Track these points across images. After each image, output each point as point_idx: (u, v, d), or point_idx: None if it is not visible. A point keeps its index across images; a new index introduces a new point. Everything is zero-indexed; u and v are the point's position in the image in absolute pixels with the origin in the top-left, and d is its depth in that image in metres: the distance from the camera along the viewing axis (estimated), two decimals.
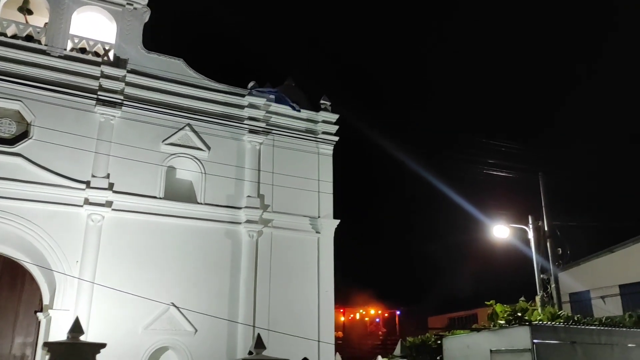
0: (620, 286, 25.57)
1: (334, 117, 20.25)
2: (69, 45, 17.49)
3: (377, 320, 46.94)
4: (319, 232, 18.95)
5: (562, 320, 13.46)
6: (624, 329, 13.83)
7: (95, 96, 16.83)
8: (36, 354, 15.49)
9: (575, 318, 14.42)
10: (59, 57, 16.87)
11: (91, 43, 17.87)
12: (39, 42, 17.05)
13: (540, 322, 12.68)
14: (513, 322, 13.01)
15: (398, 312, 46.71)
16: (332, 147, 20.12)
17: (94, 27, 18.59)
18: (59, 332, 14.03)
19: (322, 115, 20.09)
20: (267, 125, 19.13)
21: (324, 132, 20.04)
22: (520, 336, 11.78)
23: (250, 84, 19.33)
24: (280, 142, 19.30)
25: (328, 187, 19.57)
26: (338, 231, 19.38)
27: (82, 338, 11.26)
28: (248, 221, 17.75)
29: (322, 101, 20.42)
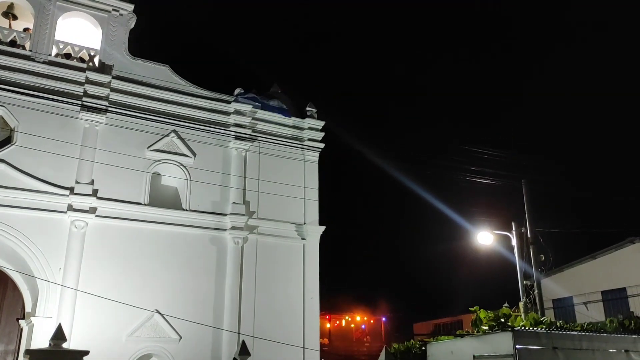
0: (603, 292, 25.91)
1: (320, 123, 20.32)
2: (54, 51, 17.40)
3: (363, 326, 46.95)
4: (305, 239, 18.97)
5: (544, 326, 13.64)
6: (605, 335, 14.04)
7: (80, 102, 16.74)
8: None
9: (558, 324, 14.61)
10: (44, 62, 16.78)
11: (76, 49, 17.79)
12: (24, 48, 16.94)
13: (523, 328, 12.84)
14: (496, 328, 13.15)
15: (384, 319, 46.78)
16: (318, 154, 20.17)
17: (79, 32, 18.51)
18: (41, 340, 13.85)
19: (308, 122, 20.16)
20: (253, 131, 19.15)
21: (310, 139, 20.09)
22: (503, 342, 11.93)
23: (237, 91, 19.34)
24: (266, 149, 19.32)
25: (314, 194, 19.61)
26: (324, 238, 19.42)
27: (65, 345, 11.20)
28: (233, 228, 17.73)
29: (308, 108, 20.48)
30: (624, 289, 24.85)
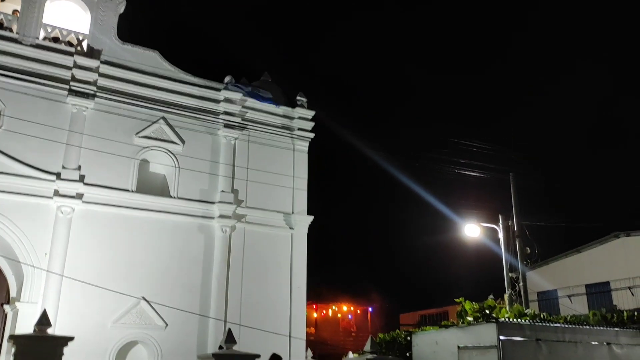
0: (587, 286, 26.25)
1: (310, 113, 20.27)
2: (42, 34, 17.16)
3: (350, 316, 47.17)
4: (293, 228, 18.97)
5: (528, 318, 13.78)
6: (588, 327, 14.19)
7: (67, 87, 16.57)
8: (2, 346, 15.23)
9: (542, 316, 14.77)
10: (31, 46, 16.56)
11: (64, 32, 17.56)
12: (11, 30, 16.69)
13: (507, 320, 12.94)
14: (481, 320, 13.26)
15: (370, 309, 47.01)
16: (307, 144, 20.14)
17: (68, 16, 18.27)
18: (26, 325, 13.81)
19: (298, 111, 20.09)
20: (242, 120, 19.06)
21: (299, 129, 20.04)
22: (487, 333, 12.01)
23: (227, 79, 19.22)
24: (256, 138, 19.25)
25: (303, 183, 19.60)
26: (312, 228, 19.43)
27: (50, 331, 11.12)
28: (221, 216, 17.69)
29: (298, 97, 20.41)
30: (607, 283, 25.19)
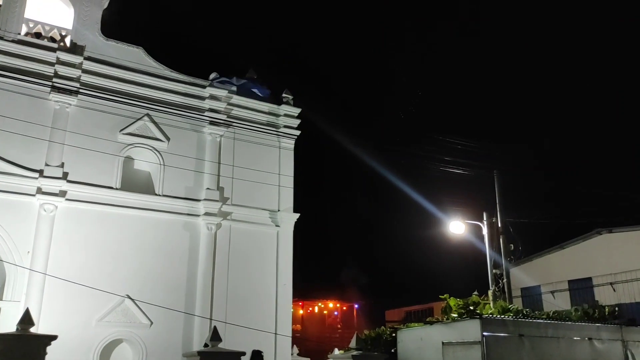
0: (569, 281, 26.59)
1: (296, 110, 20.24)
2: (24, 30, 16.96)
3: (336, 313, 47.30)
4: (279, 226, 18.96)
5: (511, 314, 13.96)
6: (570, 323, 14.42)
7: (50, 83, 16.37)
8: None
9: (525, 312, 14.97)
10: (13, 41, 16.32)
11: (47, 28, 17.37)
12: None
13: (491, 316, 13.10)
14: (465, 316, 13.40)
15: (356, 306, 47.15)
16: (293, 141, 20.11)
17: (50, 11, 18.06)
18: (8, 324, 13.59)
19: (284, 108, 20.07)
20: (228, 117, 18.99)
21: (285, 126, 20.02)
22: (471, 329, 12.15)
23: (212, 75, 19.13)
24: (242, 135, 19.19)
25: (289, 181, 19.58)
26: (298, 225, 19.44)
27: (33, 330, 11.04)
28: (207, 214, 17.63)
29: (284, 94, 20.37)
30: (589, 279, 25.53)
